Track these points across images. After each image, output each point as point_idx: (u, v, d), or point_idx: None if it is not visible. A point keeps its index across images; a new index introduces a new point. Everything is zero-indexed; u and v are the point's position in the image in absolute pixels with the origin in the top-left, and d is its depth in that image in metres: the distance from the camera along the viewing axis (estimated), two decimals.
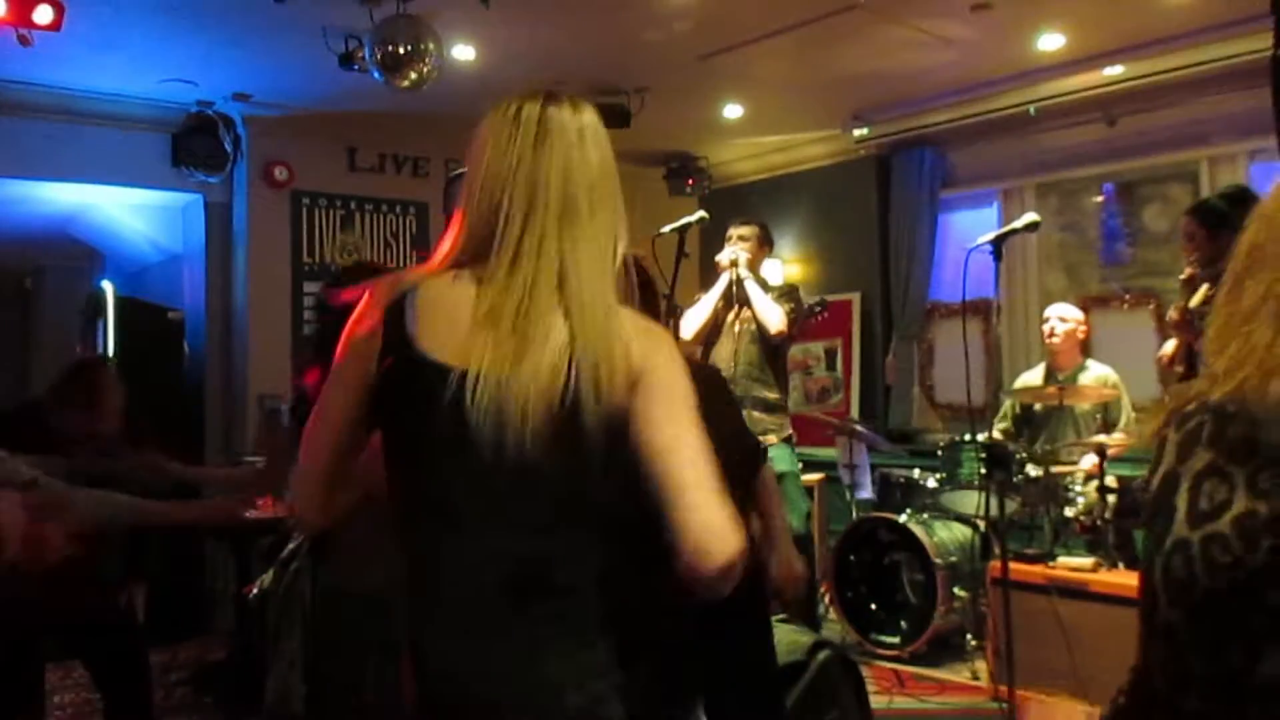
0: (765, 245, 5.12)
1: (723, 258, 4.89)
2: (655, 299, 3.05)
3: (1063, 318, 5.20)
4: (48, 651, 3.51)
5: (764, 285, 4.96)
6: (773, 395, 4.82)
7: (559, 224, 1.46)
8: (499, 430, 1.39)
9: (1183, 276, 4.35)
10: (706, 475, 1.39)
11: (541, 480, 1.42)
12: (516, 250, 1.45)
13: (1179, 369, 4.30)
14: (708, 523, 1.35)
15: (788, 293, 5.00)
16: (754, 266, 4.95)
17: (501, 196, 1.46)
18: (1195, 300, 4.18)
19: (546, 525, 1.45)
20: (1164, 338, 5.61)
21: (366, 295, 1.50)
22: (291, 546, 4.12)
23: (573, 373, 1.41)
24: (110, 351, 6.24)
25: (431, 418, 1.43)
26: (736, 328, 4.85)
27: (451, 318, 1.44)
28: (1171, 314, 4.39)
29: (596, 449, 1.43)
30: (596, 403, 1.41)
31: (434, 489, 1.46)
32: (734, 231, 5.01)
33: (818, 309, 5.32)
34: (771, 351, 4.87)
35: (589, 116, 1.53)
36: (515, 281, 1.44)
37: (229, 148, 6.19)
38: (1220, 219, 4.03)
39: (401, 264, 6.71)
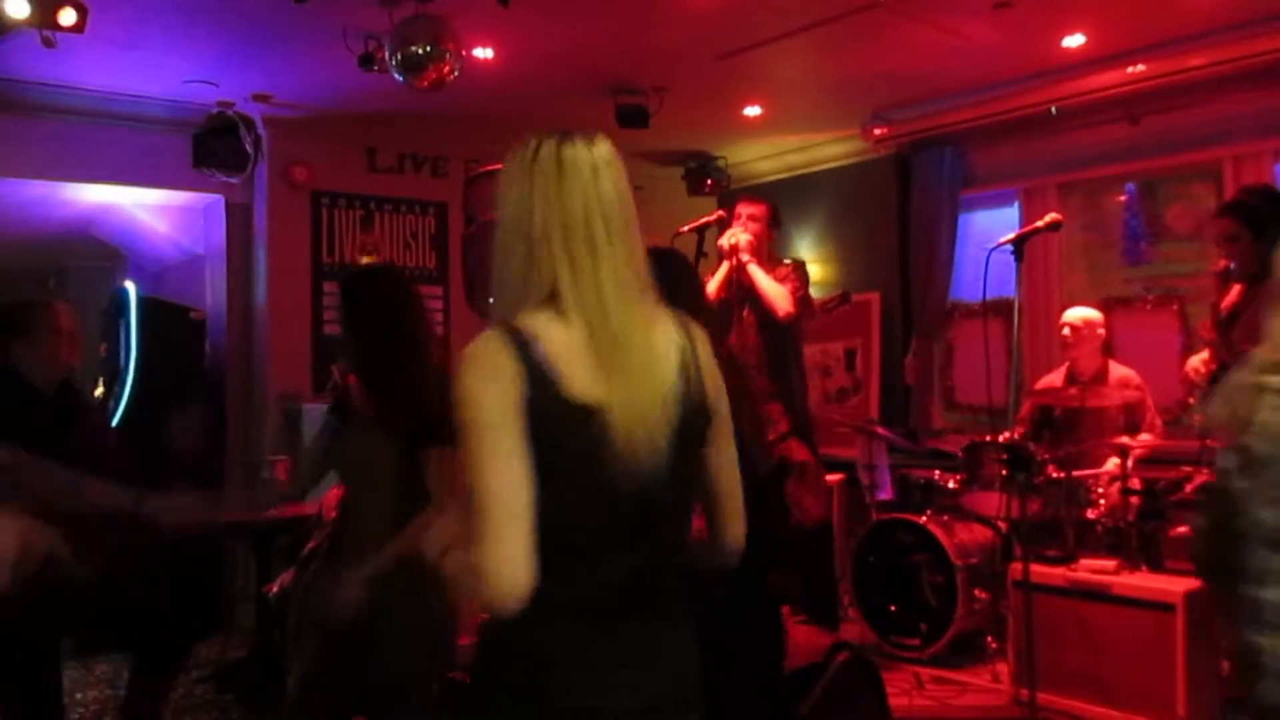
0: (774, 227, 4.93)
1: (724, 241, 4.71)
2: (701, 288, 3.08)
3: (1074, 325, 5.14)
4: (77, 648, 3.52)
5: (772, 259, 4.80)
6: (768, 385, 4.55)
7: (592, 257, 1.50)
8: (635, 461, 1.46)
9: (1216, 268, 4.26)
10: (738, 492, 1.67)
11: (667, 500, 1.53)
12: (579, 289, 1.49)
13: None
14: (737, 538, 1.68)
15: (795, 267, 4.79)
16: (760, 248, 4.73)
17: (538, 239, 1.51)
18: (1228, 301, 4.10)
19: (668, 541, 1.57)
20: (1186, 339, 5.57)
21: (476, 348, 1.48)
22: (311, 546, 4.13)
23: (679, 398, 1.53)
24: (134, 351, 6.29)
25: (575, 456, 1.47)
26: (745, 319, 4.69)
27: (566, 358, 1.47)
28: (1203, 333, 4.32)
29: (693, 461, 1.59)
30: (699, 424, 1.57)
31: (576, 521, 1.49)
32: (743, 210, 4.82)
33: (841, 302, 5.24)
34: (777, 338, 4.68)
35: (602, 149, 1.57)
36: (595, 316, 1.49)
37: (249, 148, 6.22)
38: (1265, 220, 3.94)
39: (421, 264, 6.74)
